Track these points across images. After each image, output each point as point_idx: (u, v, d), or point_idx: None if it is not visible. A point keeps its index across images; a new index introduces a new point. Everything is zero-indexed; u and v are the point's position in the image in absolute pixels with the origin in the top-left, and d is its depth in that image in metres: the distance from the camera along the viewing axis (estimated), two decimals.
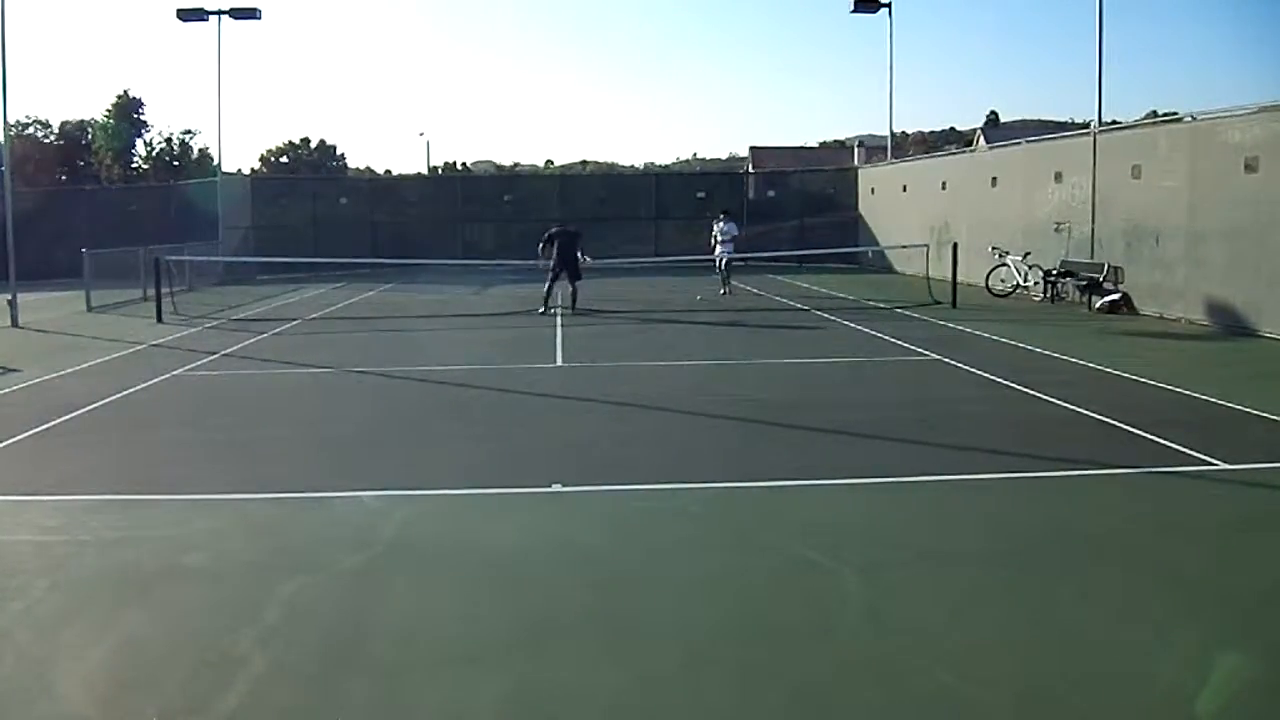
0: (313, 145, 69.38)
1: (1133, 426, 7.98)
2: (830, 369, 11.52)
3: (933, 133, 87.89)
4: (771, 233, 32.25)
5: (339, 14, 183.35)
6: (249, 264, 27.78)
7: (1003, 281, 19.71)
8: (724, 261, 20.60)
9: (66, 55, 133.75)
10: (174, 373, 11.70)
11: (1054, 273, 18.39)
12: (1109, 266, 16.97)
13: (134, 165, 50.66)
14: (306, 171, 58.89)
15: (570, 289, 17.76)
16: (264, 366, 12.42)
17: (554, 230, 17.99)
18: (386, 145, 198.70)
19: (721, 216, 21.18)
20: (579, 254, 17.81)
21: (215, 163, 33.30)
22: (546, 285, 17.68)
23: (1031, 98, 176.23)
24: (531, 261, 24.43)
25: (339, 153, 70.71)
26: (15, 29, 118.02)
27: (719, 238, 20.75)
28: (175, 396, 10.41)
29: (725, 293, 20.32)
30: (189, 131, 51.85)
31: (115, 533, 5.84)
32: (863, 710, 3.70)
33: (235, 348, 14.05)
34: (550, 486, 6.57)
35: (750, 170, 48.69)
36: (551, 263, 17.76)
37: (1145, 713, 3.66)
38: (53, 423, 8.85)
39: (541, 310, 17.10)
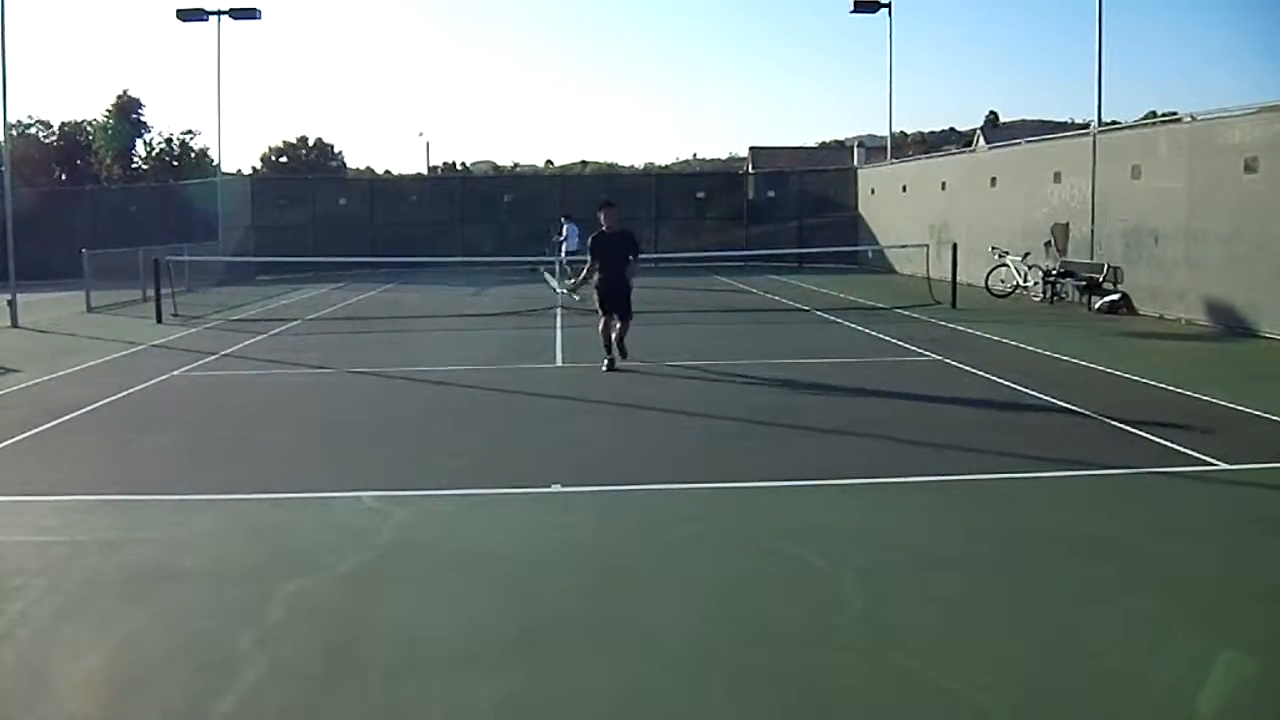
0: (311, 145, 69.34)
1: (1133, 427, 7.98)
2: (830, 369, 11.51)
3: (932, 133, 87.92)
4: (771, 233, 32.31)
5: (339, 14, 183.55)
6: (249, 264, 27.79)
7: (1002, 282, 19.71)
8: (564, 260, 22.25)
9: (66, 55, 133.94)
10: (173, 373, 11.70)
11: (1054, 273, 18.40)
12: (1109, 267, 16.98)
13: (134, 165, 50.64)
14: (305, 171, 58.89)
15: (617, 327, 11.60)
16: (264, 367, 12.42)
17: (594, 236, 11.68)
18: (386, 145, 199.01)
19: (563, 220, 23.46)
20: (629, 267, 11.55)
21: (215, 163, 33.32)
22: (600, 324, 11.70)
23: (1031, 98, 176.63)
24: (538, 260, 24.59)
25: (338, 152, 70.72)
26: (15, 29, 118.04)
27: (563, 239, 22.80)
28: (175, 397, 10.41)
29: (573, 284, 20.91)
30: (189, 132, 51.87)
31: (114, 533, 5.84)
32: (861, 712, 3.70)
33: (235, 348, 14.05)
34: (550, 487, 6.57)
35: (750, 170, 48.69)
36: (595, 286, 11.60)
37: (1145, 713, 3.66)
38: (52, 423, 8.85)
39: (606, 366, 11.32)
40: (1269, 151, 13.44)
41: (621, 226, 11.88)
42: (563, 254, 23.07)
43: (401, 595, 4.84)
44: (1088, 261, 17.66)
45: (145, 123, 50.52)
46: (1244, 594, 4.73)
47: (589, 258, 11.64)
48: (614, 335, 11.56)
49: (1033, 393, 9.54)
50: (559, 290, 15.77)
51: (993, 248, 20.14)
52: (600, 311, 11.69)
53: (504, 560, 5.28)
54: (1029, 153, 20.97)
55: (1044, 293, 18.63)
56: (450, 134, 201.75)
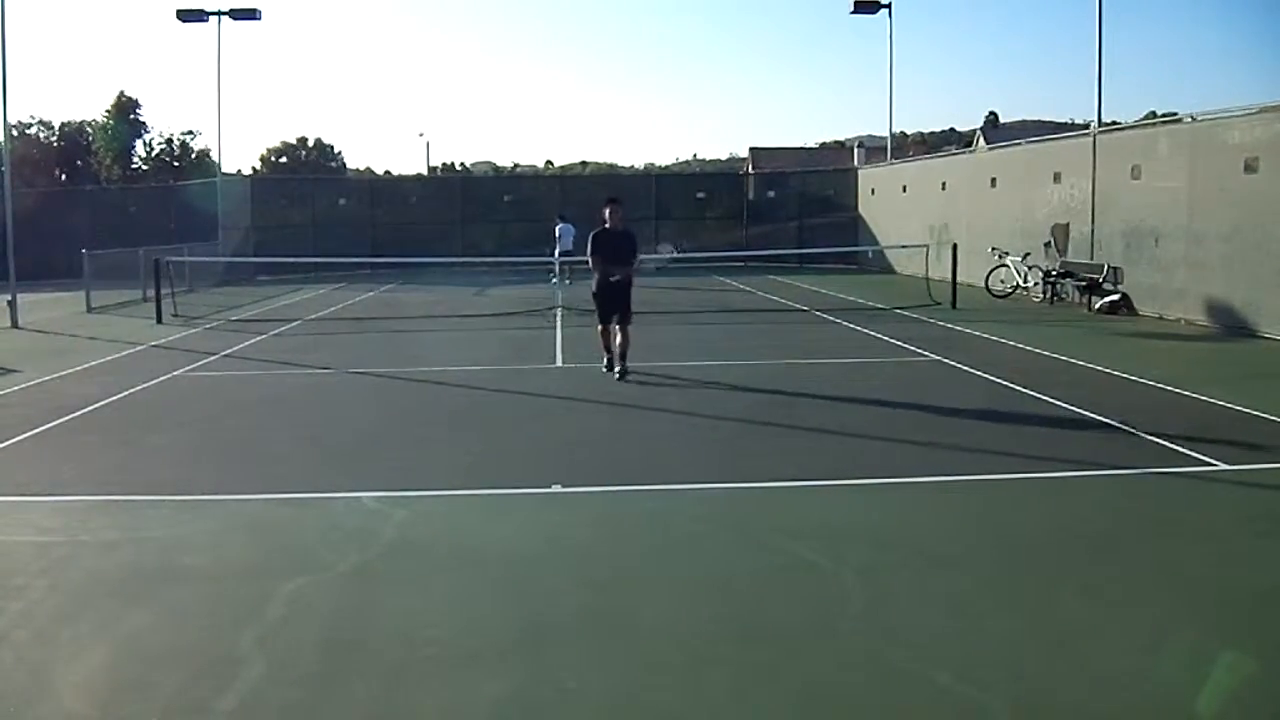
0: (311, 145, 69.37)
1: (1132, 427, 7.98)
2: (830, 370, 11.51)
3: (932, 133, 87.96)
4: (771, 233, 32.33)
5: (339, 14, 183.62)
6: (249, 264, 27.80)
7: (1002, 282, 19.72)
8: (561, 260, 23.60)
9: (66, 56, 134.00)
10: (174, 374, 11.70)
11: (1054, 273, 18.41)
12: (1109, 267, 16.98)
13: (134, 166, 50.64)
14: (305, 172, 58.89)
15: (617, 337, 11.02)
16: (264, 367, 12.42)
17: (596, 233, 11.08)
18: (386, 146, 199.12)
19: (558, 219, 24.30)
20: (630, 266, 11.08)
21: (215, 163, 33.32)
22: (598, 329, 11.30)
23: (1031, 98, 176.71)
24: (542, 259, 24.67)
25: (337, 153, 70.73)
26: (15, 29, 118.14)
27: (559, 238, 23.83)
28: (175, 397, 10.40)
29: (567, 282, 22.84)
30: (189, 132, 51.88)
31: (115, 533, 5.84)
32: (861, 711, 3.70)
33: (235, 349, 14.05)
34: (550, 487, 6.57)
35: (750, 171, 48.68)
36: (593, 293, 11.20)
37: (1145, 713, 3.66)
38: (53, 423, 8.85)
39: (606, 365, 11.16)
40: (1269, 151, 13.44)
41: (625, 226, 11.28)
42: (557, 254, 23.64)
43: (401, 595, 4.84)
44: (1088, 262, 17.66)
45: (145, 123, 50.58)
46: (1244, 594, 4.73)
47: (589, 255, 11.02)
48: (615, 344, 10.98)
49: (1032, 393, 9.54)
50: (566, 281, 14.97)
51: (992, 248, 20.15)
52: (598, 318, 11.19)
53: (504, 560, 5.29)
54: (1029, 153, 20.97)
55: (1044, 293, 18.63)
56: (450, 134, 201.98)
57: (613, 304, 10.96)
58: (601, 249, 10.95)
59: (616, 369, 10.92)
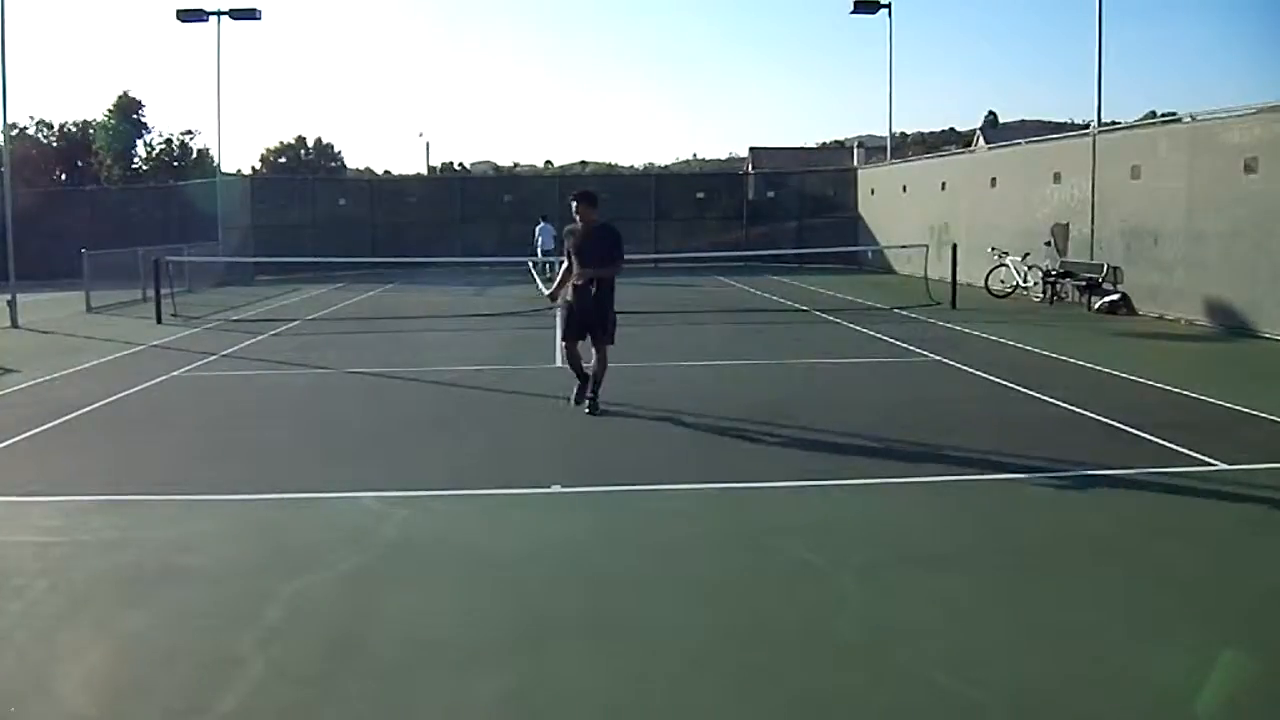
0: (311, 145, 69.33)
1: (1132, 427, 7.98)
2: (829, 370, 11.52)
3: (932, 133, 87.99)
4: (771, 233, 32.35)
5: (339, 14, 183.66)
6: (248, 264, 27.81)
7: (1002, 282, 19.72)
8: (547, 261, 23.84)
9: (67, 56, 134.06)
10: (173, 373, 11.70)
11: (1053, 273, 18.41)
12: (1108, 267, 16.99)
13: (134, 166, 50.60)
14: (305, 172, 58.87)
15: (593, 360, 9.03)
16: (263, 367, 12.42)
17: (567, 231, 9.29)
18: (386, 145, 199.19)
19: (541, 220, 25.09)
20: (609, 271, 8.98)
21: (215, 163, 33.32)
22: (563, 345, 9.25)
23: (1031, 98, 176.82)
24: (531, 260, 24.82)
25: (337, 152, 70.70)
26: (15, 29, 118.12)
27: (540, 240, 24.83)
28: (175, 397, 10.41)
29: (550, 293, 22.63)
30: (189, 132, 51.80)
31: (115, 533, 5.84)
32: (860, 713, 3.70)
33: (235, 349, 14.05)
34: (549, 487, 6.57)
35: (750, 171, 48.68)
36: (566, 299, 9.28)
37: (1144, 713, 3.66)
38: (53, 423, 8.85)
39: (574, 398, 9.09)
40: (1269, 151, 13.45)
41: (602, 221, 9.17)
42: (539, 254, 24.27)
43: (401, 595, 4.84)
44: (1087, 262, 17.67)
45: (146, 123, 50.53)
46: (1244, 594, 4.73)
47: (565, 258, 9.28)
48: (590, 368, 9.01)
49: (1032, 393, 9.54)
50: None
51: (992, 248, 20.15)
52: (563, 335, 9.21)
53: (504, 560, 5.29)
54: (1029, 153, 20.98)
55: (1044, 293, 18.64)
56: (450, 134, 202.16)
57: (581, 315, 8.99)
58: (571, 250, 9.11)
59: (586, 398, 8.98)
